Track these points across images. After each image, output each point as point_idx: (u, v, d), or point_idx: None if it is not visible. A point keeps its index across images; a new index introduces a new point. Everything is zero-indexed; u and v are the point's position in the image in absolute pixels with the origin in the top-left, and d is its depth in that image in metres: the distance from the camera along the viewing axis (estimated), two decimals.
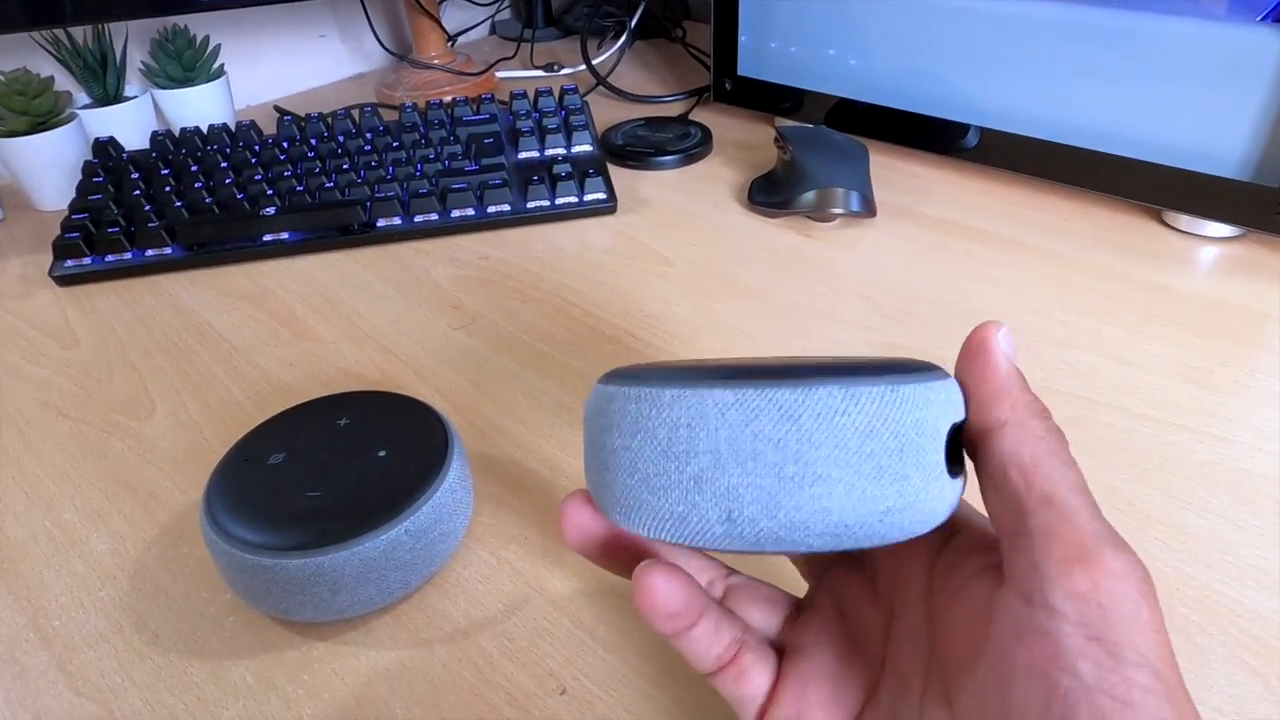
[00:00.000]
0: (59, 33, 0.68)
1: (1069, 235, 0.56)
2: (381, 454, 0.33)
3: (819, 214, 0.58)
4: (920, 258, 0.55)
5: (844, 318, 0.49)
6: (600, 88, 0.84)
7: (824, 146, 0.60)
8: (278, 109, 0.77)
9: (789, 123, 0.72)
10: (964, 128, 0.64)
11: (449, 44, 0.92)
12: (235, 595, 0.34)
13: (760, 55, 0.72)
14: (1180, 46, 0.52)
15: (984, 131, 0.63)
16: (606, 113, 0.80)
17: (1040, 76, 0.58)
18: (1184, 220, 0.56)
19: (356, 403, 0.36)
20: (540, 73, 0.91)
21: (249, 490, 0.32)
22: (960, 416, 0.22)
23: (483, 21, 1.08)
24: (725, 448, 0.19)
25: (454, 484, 0.33)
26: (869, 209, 0.58)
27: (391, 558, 0.30)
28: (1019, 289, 0.51)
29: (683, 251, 0.57)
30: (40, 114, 0.65)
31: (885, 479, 0.20)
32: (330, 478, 0.32)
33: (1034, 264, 0.53)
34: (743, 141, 0.73)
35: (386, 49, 0.93)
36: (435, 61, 0.88)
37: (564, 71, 0.91)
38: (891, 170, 0.66)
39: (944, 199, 0.62)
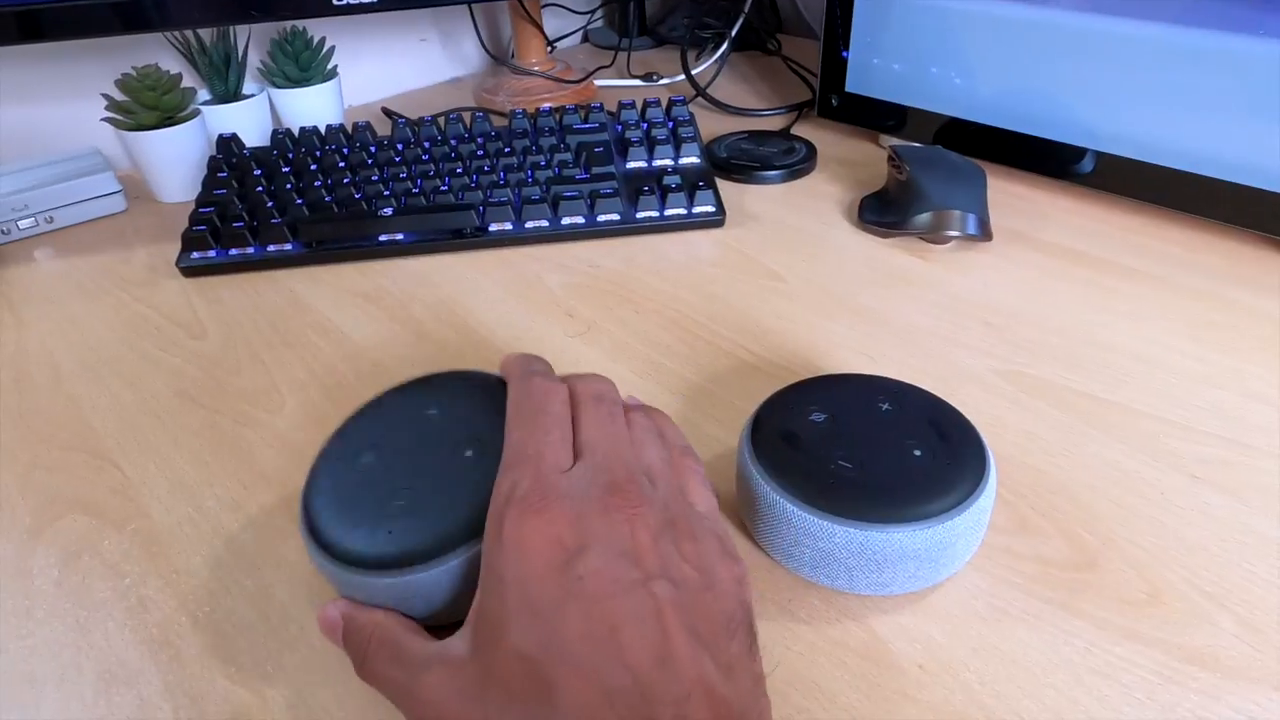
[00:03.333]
0: (188, 32, 0.70)
1: (1195, 268, 0.55)
2: (469, 454, 0.32)
3: (933, 235, 0.58)
4: (1041, 285, 0.53)
5: (968, 344, 0.48)
6: (699, 99, 0.84)
7: (940, 167, 0.59)
8: (386, 111, 0.78)
9: (895, 140, 0.71)
10: (1078, 151, 0.62)
11: (549, 51, 0.93)
12: None
13: (865, 72, 0.71)
14: None
15: (1099, 156, 0.62)
16: (704, 124, 0.80)
17: (1159, 100, 0.57)
18: None
19: (447, 388, 0.35)
20: (638, 82, 0.92)
21: (343, 499, 0.31)
22: None
23: (576, 30, 1.09)
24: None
25: None
26: (985, 233, 0.57)
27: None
28: (1148, 321, 0.49)
29: (794, 268, 0.57)
30: (169, 109, 0.67)
31: None
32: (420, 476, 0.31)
33: (1161, 296, 0.52)
34: (846, 158, 0.72)
35: (490, 54, 0.94)
36: (536, 68, 0.89)
37: (662, 81, 0.91)
38: (1001, 192, 0.65)
39: (1059, 224, 0.61)
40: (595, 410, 0.30)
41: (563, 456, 0.28)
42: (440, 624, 0.30)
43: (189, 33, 0.71)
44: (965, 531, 0.32)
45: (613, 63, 0.96)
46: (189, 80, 0.72)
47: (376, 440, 0.33)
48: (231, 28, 0.72)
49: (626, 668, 0.22)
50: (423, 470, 0.31)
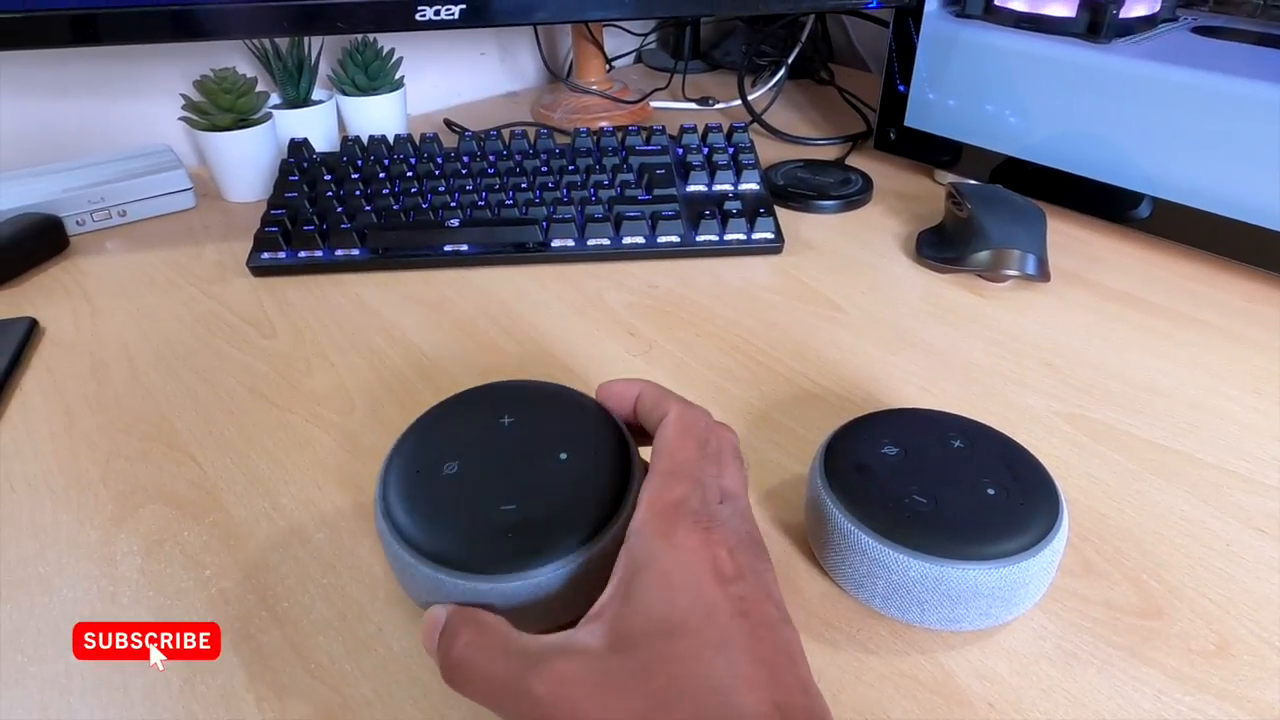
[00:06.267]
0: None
1: (1256, 319, 0.55)
2: (563, 457, 0.32)
3: (991, 274, 0.58)
4: (1101, 328, 0.54)
5: (1029, 384, 0.48)
6: (754, 125, 0.85)
7: (1001, 206, 0.60)
8: (449, 123, 0.80)
9: (952, 176, 0.72)
10: (1135, 196, 0.63)
11: (607, 70, 0.94)
12: None
13: (923, 107, 0.72)
14: None
15: (1157, 202, 0.62)
16: (759, 151, 0.80)
17: (1218, 150, 0.57)
18: None
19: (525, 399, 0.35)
20: (693, 105, 0.93)
21: (439, 509, 0.31)
22: None
23: (630, 52, 1.11)
24: None
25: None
26: (1043, 273, 0.58)
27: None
28: (1210, 371, 0.50)
29: (853, 299, 0.57)
30: (243, 112, 0.69)
31: None
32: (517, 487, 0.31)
33: (1222, 346, 0.52)
34: (902, 192, 0.73)
35: (552, 71, 0.96)
36: (594, 87, 0.90)
37: (718, 106, 0.93)
38: (1057, 233, 0.65)
39: (1116, 268, 0.61)
40: (736, 465, 0.32)
41: (719, 491, 0.30)
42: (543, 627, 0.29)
43: (266, 39, 0.73)
44: (1039, 572, 0.32)
45: (668, 85, 0.97)
46: (261, 84, 0.74)
47: (454, 450, 0.32)
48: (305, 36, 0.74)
49: (790, 687, 0.24)
50: (519, 475, 0.31)
